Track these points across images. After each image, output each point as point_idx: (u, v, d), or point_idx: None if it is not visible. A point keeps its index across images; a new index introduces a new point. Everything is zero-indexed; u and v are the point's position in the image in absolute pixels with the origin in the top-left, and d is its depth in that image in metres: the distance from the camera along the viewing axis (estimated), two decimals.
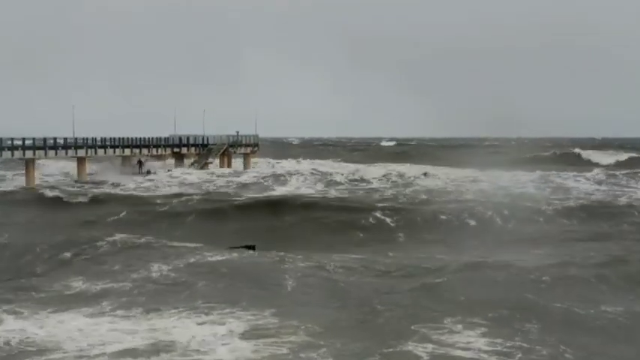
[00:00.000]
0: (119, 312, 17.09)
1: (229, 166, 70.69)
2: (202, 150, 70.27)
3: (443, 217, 33.20)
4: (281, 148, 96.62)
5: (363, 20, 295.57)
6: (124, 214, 35.67)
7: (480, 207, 34.47)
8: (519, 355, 13.73)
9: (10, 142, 54.74)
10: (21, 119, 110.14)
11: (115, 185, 53.17)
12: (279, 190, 48.96)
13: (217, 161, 69.86)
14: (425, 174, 56.51)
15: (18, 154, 55.54)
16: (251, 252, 26.63)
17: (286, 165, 68.66)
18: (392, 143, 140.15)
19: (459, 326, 15.43)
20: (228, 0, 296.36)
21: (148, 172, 63.55)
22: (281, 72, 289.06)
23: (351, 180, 54.55)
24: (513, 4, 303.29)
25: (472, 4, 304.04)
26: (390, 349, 13.97)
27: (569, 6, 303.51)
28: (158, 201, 39.56)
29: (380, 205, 35.62)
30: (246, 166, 72.06)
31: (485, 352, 13.87)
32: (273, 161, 74.79)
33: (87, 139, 61.78)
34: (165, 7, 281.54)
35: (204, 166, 66.87)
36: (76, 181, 57.87)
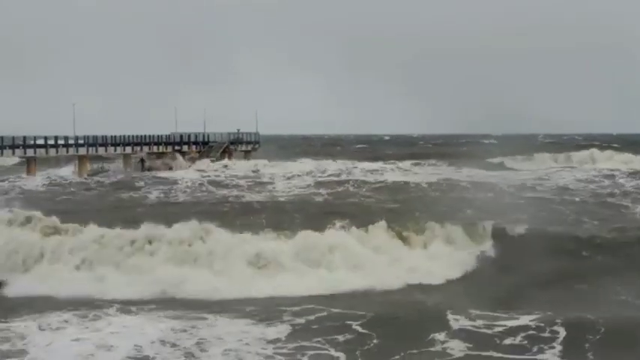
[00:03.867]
0: None
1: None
2: (203, 148, 70.97)
3: None
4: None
5: (360, 20, 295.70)
6: None
7: None
8: None
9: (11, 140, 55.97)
10: (19, 119, 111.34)
11: None
12: None
13: None
14: None
15: (19, 152, 56.64)
16: None
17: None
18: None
19: None
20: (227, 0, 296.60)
21: (149, 170, 64.27)
22: (278, 74, 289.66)
23: None
24: (514, 4, 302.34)
25: (472, 4, 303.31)
26: None
27: (571, 5, 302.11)
28: None
29: None
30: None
31: None
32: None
33: (87, 137, 62.67)
34: (162, 8, 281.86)
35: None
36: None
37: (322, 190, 43.27)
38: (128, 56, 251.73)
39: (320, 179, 50.55)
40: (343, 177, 51.74)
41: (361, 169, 58.10)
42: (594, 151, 77.86)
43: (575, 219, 30.71)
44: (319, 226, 25.81)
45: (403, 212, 31.14)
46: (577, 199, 37.57)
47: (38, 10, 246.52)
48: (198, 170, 60.95)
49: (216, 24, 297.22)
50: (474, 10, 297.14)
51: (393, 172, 57.58)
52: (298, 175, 53.36)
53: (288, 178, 51.12)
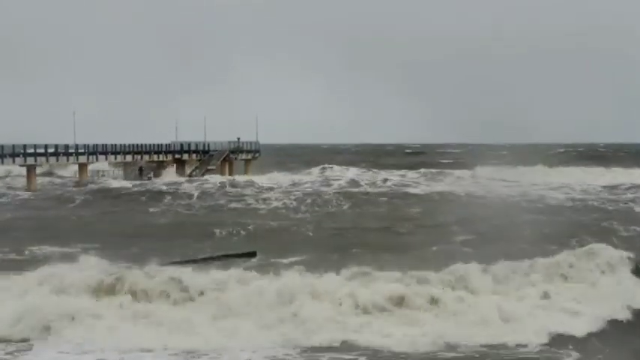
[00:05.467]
0: None
1: (230, 173, 70.68)
2: (204, 156, 70.50)
3: None
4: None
5: (360, 21, 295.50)
6: None
7: None
8: None
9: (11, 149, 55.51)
10: (19, 120, 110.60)
11: None
12: None
13: None
14: None
15: (19, 160, 56.06)
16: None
17: None
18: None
19: None
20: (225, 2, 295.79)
21: (149, 178, 63.82)
22: (278, 74, 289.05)
23: None
24: (518, 6, 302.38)
25: (471, 5, 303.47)
26: None
27: (577, 6, 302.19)
28: None
29: None
30: (246, 172, 71.98)
31: None
32: None
33: (88, 145, 62.26)
34: (162, 8, 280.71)
35: (205, 172, 66.98)
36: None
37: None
38: (128, 56, 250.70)
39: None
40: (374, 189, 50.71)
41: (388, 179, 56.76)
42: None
43: None
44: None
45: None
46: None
47: (38, 11, 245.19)
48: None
49: (216, 24, 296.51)
50: (473, 11, 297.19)
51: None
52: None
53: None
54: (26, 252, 27.56)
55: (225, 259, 25.37)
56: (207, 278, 20.62)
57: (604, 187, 50.35)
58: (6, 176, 61.30)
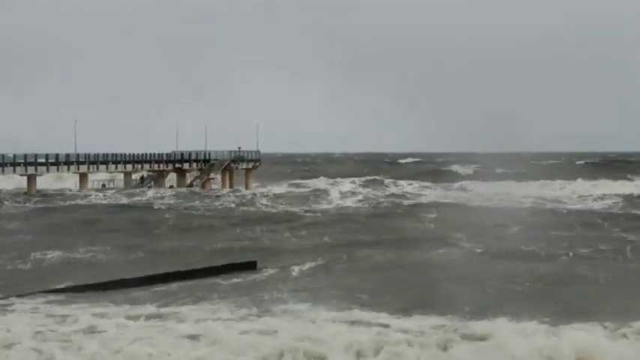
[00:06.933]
0: None
1: (231, 182, 70.51)
2: (204, 165, 70.30)
3: None
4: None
5: (363, 29, 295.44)
6: None
7: None
8: None
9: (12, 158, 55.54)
10: (19, 122, 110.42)
11: None
12: None
13: None
14: None
15: (20, 170, 55.99)
16: None
17: None
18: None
19: None
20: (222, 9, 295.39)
21: (150, 187, 63.72)
22: (278, 86, 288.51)
23: None
24: (523, 14, 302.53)
25: (482, 14, 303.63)
26: None
27: (579, 15, 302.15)
28: None
29: None
30: (247, 184, 71.67)
31: None
32: None
33: (88, 155, 62.18)
34: (161, 9, 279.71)
35: (206, 181, 66.89)
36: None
37: None
38: (127, 56, 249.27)
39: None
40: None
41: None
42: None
43: None
44: None
45: None
46: None
47: (36, 14, 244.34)
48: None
49: (216, 24, 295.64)
50: (474, 23, 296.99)
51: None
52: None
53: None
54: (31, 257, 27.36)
55: (223, 270, 24.13)
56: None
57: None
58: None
